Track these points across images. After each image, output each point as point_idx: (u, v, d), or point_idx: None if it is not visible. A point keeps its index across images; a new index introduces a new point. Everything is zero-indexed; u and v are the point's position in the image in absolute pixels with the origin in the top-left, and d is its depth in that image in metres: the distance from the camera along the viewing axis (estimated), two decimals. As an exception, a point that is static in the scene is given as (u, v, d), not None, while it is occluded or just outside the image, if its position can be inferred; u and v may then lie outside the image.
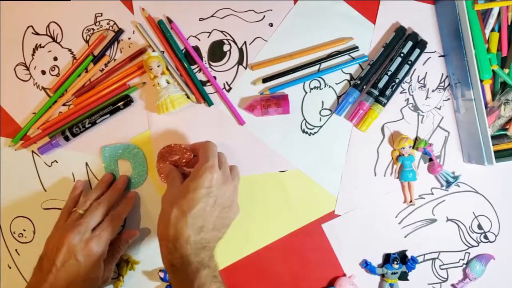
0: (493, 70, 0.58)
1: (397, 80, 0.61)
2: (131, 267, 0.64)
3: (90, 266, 0.54)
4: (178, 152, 0.59)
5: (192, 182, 0.51)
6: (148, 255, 0.65)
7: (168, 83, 0.61)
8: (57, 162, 0.65)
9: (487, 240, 0.64)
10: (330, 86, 0.63)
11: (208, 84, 0.64)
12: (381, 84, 0.61)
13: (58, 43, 0.65)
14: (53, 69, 0.65)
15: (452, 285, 0.64)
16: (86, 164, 0.65)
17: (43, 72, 0.65)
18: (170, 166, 0.58)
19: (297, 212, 0.63)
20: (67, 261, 0.53)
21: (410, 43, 0.61)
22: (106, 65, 0.64)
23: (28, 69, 0.65)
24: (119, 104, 0.62)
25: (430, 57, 0.63)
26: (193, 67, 0.64)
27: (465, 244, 0.64)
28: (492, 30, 0.60)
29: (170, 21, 0.63)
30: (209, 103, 0.63)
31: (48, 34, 0.65)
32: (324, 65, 0.63)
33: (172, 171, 0.57)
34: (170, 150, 0.59)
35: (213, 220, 0.51)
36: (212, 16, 0.64)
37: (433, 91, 0.63)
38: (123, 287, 0.64)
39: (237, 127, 0.64)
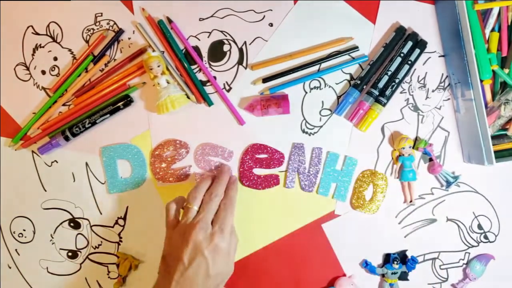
0: (493, 70, 0.58)
1: (397, 80, 0.61)
2: (131, 267, 0.64)
3: (219, 261, 0.52)
4: (169, 146, 0.62)
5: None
6: (148, 254, 0.65)
7: (168, 83, 0.61)
8: (57, 162, 0.65)
9: (487, 240, 0.64)
10: (330, 86, 0.63)
11: (208, 84, 0.64)
12: (381, 84, 0.61)
13: (58, 43, 0.65)
14: (53, 69, 0.65)
15: (452, 285, 0.64)
16: (86, 164, 0.65)
17: (43, 72, 0.65)
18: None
19: (297, 212, 0.63)
20: (194, 258, 0.51)
21: (410, 43, 0.61)
22: (106, 65, 0.64)
23: (28, 69, 0.65)
24: (119, 104, 0.63)
25: (430, 57, 0.63)
26: (193, 67, 0.64)
27: (465, 244, 0.64)
28: (492, 30, 0.60)
29: (170, 21, 0.63)
30: (209, 103, 0.63)
31: (48, 34, 0.65)
32: (324, 65, 0.63)
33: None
34: (162, 147, 0.62)
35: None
36: (212, 16, 0.64)
37: (433, 91, 0.63)
38: (123, 287, 0.65)
39: (237, 127, 0.64)
